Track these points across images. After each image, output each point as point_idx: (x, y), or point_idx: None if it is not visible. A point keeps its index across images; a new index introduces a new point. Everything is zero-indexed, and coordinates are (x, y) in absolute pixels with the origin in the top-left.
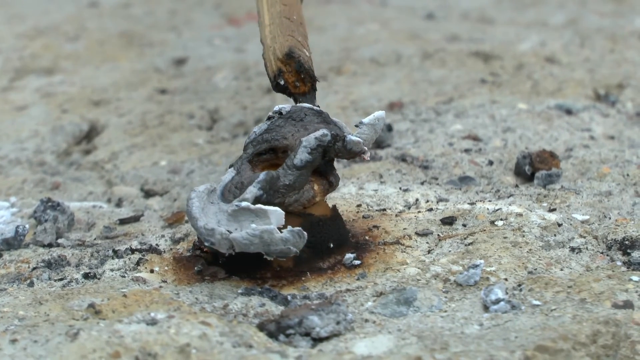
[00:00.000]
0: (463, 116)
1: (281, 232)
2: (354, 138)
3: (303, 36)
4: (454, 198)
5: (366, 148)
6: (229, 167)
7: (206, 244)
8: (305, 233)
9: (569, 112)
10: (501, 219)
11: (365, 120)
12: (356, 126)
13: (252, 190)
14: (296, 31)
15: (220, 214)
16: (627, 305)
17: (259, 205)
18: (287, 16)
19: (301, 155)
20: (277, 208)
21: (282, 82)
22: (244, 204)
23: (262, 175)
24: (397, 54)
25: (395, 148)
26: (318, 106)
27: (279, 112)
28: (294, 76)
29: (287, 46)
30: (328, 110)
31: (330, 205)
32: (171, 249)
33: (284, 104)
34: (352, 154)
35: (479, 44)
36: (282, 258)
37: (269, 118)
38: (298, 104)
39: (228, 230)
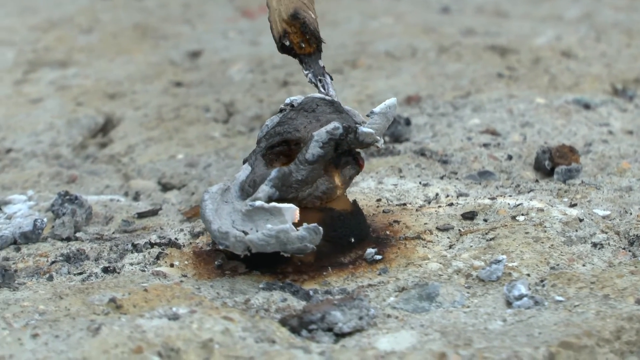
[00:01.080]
0: (481, 110)
1: (297, 228)
2: (365, 130)
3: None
4: (474, 193)
5: (379, 137)
6: (243, 163)
7: (220, 247)
8: (321, 229)
9: (587, 106)
10: (522, 214)
11: (376, 109)
12: (367, 116)
13: (264, 189)
14: None
15: (234, 214)
16: None
17: (273, 204)
18: None
19: (313, 150)
20: (290, 205)
21: (287, 43)
22: (257, 203)
23: (273, 173)
24: (412, 48)
25: (413, 142)
26: (324, 66)
27: (291, 104)
28: (299, 37)
29: (292, 7)
30: (345, 103)
31: (350, 199)
32: (190, 243)
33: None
34: (365, 145)
35: (495, 37)
36: (299, 255)
37: (281, 110)
38: (310, 95)
39: (244, 231)
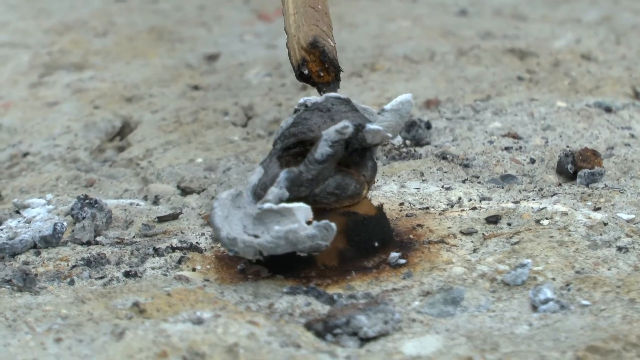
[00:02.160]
0: (502, 114)
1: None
2: (372, 127)
3: (328, 26)
4: (497, 197)
5: (390, 135)
6: (259, 166)
7: (230, 253)
8: (332, 225)
9: (608, 110)
10: (546, 218)
11: (387, 106)
12: (378, 113)
13: (273, 191)
14: (320, 20)
15: (246, 219)
16: None
17: (283, 205)
18: (312, 5)
19: (322, 149)
20: (301, 204)
21: (305, 72)
22: (266, 205)
23: (282, 174)
24: (430, 51)
25: (434, 146)
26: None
27: (305, 105)
28: (318, 65)
29: (311, 35)
30: None
31: (374, 203)
32: (212, 247)
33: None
34: (376, 143)
35: (514, 40)
36: (315, 253)
37: (296, 111)
38: (325, 94)
39: (255, 235)
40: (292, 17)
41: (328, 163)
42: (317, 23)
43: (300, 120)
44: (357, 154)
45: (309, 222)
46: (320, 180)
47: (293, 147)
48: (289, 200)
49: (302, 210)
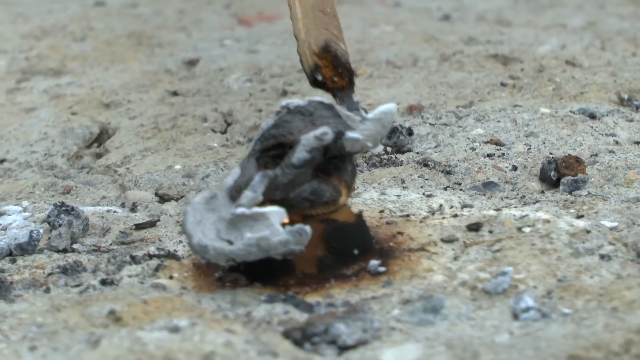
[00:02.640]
0: (484, 120)
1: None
2: (352, 135)
3: (338, 29)
4: (479, 204)
5: (370, 144)
6: (237, 166)
7: (203, 260)
8: (307, 229)
9: (592, 116)
10: (528, 226)
11: (370, 115)
12: (360, 122)
13: (247, 195)
14: (330, 24)
15: (219, 223)
16: None
17: (255, 209)
18: (321, 9)
19: (299, 154)
20: (275, 207)
21: (319, 78)
22: (239, 210)
23: (257, 177)
24: (413, 57)
25: (416, 152)
26: (358, 101)
27: (287, 107)
28: (332, 71)
29: (322, 40)
30: None
31: (353, 210)
32: (190, 254)
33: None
34: (355, 151)
35: (498, 46)
36: (289, 257)
37: (278, 113)
38: (309, 98)
39: (228, 240)
40: (301, 21)
41: (305, 168)
42: (327, 27)
43: (281, 122)
44: (336, 160)
45: (284, 224)
46: (295, 185)
47: (272, 149)
48: (263, 203)
49: (275, 214)
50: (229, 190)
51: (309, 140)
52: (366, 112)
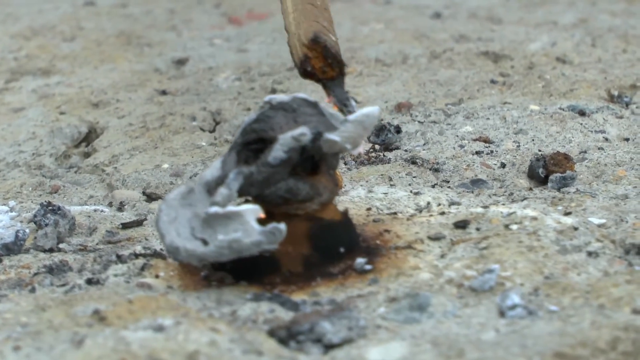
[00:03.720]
0: (473, 118)
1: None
2: (330, 137)
3: (328, 21)
4: (467, 201)
5: (349, 146)
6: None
7: (176, 261)
8: (281, 228)
9: (582, 113)
10: (516, 223)
11: (351, 117)
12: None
13: (222, 193)
14: (321, 16)
15: (194, 220)
16: None
17: (229, 208)
18: (311, 2)
19: (276, 154)
20: (250, 206)
21: (309, 69)
22: (212, 210)
23: (232, 175)
24: (403, 54)
25: (404, 150)
26: (347, 92)
27: (269, 103)
28: (321, 61)
29: (311, 31)
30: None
31: (339, 208)
32: None
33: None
34: (333, 152)
35: (488, 43)
36: (265, 254)
37: (261, 108)
38: (293, 94)
39: (202, 239)
40: (291, 15)
41: (281, 167)
42: (317, 19)
43: (264, 117)
44: (312, 160)
45: (260, 220)
46: (271, 182)
47: (253, 143)
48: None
49: (250, 211)
50: (207, 184)
51: (286, 140)
52: (357, 102)
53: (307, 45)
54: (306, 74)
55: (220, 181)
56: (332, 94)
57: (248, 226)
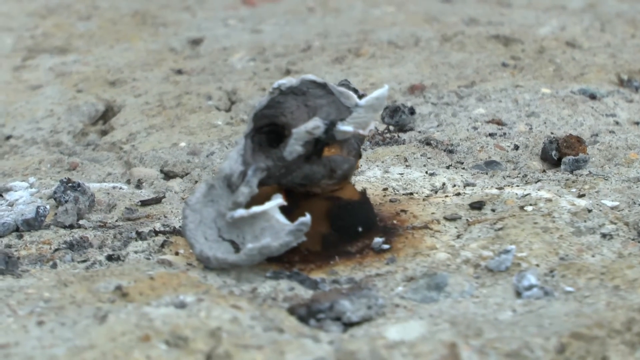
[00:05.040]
0: (486, 100)
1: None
2: (343, 128)
3: None
4: (481, 183)
5: (361, 130)
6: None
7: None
8: (307, 220)
9: (592, 97)
10: (530, 204)
11: (362, 101)
12: (354, 106)
13: (243, 192)
14: None
15: (220, 220)
16: None
17: (254, 209)
18: None
19: (291, 148)
20: (272, 202)
21: None
22: (237, 213)
23: (250, 172)
24: (415, 37)
25: (418, 132)
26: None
27: (279, 88)
28: None
29: None
30: None
31: (357, 188)
32: None
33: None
34: (345, 139)
35: (498, 27)
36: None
37: (270, 94)
38: (301, 77)
39: (230, 240)
40: None
41: (298, 159)
42: None
43: (274, 103)
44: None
45: (282, 208)
46: (287, 173)
47: (265, 127)
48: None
49: (274, 207)
50: (226, 178)
51: (300, 134)
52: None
53: None
54: None
55: (243, 175)
56: None
57: (274, 222)
